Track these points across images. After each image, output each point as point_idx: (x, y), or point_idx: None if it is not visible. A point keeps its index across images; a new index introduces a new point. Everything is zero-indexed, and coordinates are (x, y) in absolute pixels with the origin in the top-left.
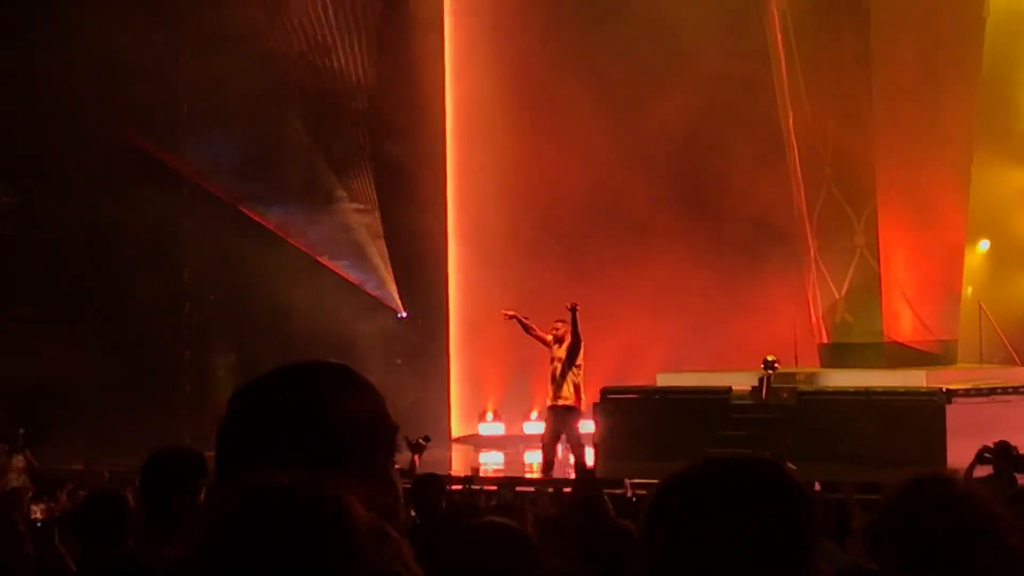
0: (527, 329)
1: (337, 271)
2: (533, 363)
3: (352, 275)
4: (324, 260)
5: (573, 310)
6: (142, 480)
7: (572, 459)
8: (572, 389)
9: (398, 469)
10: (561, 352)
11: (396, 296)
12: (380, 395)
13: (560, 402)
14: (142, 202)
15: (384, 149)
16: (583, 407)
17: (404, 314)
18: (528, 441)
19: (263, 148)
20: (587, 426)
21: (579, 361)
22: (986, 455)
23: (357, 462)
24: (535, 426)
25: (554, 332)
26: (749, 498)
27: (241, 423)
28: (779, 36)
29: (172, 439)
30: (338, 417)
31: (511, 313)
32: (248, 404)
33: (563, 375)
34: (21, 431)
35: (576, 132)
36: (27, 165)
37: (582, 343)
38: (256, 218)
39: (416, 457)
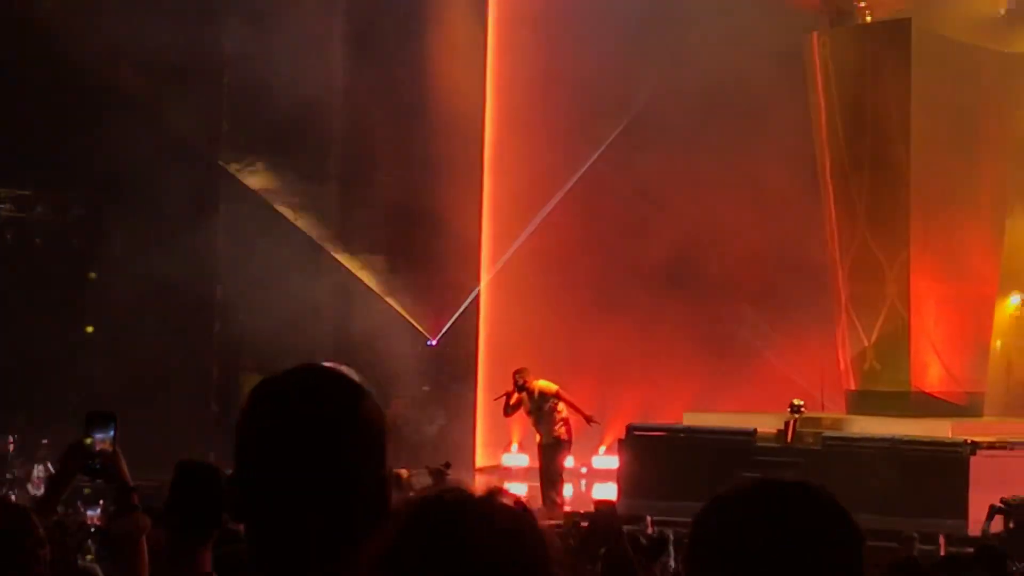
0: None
1: (370, 294)
2: None
3: (383, 300)
4: (357, 280)
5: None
6: (172, 495)
7: (543, 490)
8: (562, 425)
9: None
10: (536, 397)
11: (426, 323)
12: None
13: (551, 438)
14: (178, 217)
15: (422, 179)
16: (572, 438)
17: (433, 341)
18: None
19: (300, 170)
20: (610, 462)
21: (553, 398)
22: (1000, 508)
23: (366, 469)
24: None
25: (517, 379)
26: (803, 522)
27: (266, 421)
28: (820, 82)
29: (197, 458)
30: (353, 425)
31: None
32: (272, 403)
33: (550, 414)
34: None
35: (608, 178)
36: (97, 179)
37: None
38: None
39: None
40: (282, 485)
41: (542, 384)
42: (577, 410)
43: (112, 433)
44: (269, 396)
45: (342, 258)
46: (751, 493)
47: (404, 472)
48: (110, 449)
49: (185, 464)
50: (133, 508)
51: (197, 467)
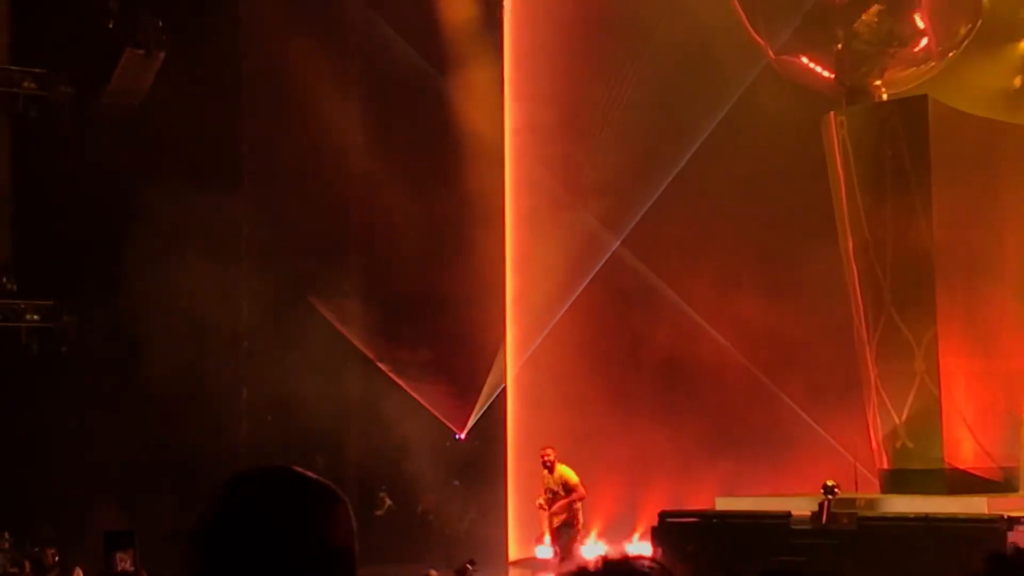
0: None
1: (397, 388)
2: (590, 487)
3: (412, 394)
4: (385, 376)
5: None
6: None
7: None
8: (571, 511)
9: None
10: (553, 482)
11: (454, 418)
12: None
13: (562, 522)
14: (197, 319)
15: (444, 273)
16: (580, 526)
17: (461, 436)
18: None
19: (323, 272)
20: (644, 549)
21: (570, 491)
22: None
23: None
24: (593, 549)
25: (544, 459)
26: None
27: (231, 525)
28: (839, 161)
29: None
30: (324, 533)
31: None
32: (239, 507)
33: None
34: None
35: (629, 270)
36: (89, 281)
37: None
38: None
39: None
40: None
41: (565, 471)
42: (560, 510)
43: (133, 551)
44: (236, 500)
45: (367, 351)
46: None
47: (433, 573)
48: (131, 569)
49: None
50: None
51: None
